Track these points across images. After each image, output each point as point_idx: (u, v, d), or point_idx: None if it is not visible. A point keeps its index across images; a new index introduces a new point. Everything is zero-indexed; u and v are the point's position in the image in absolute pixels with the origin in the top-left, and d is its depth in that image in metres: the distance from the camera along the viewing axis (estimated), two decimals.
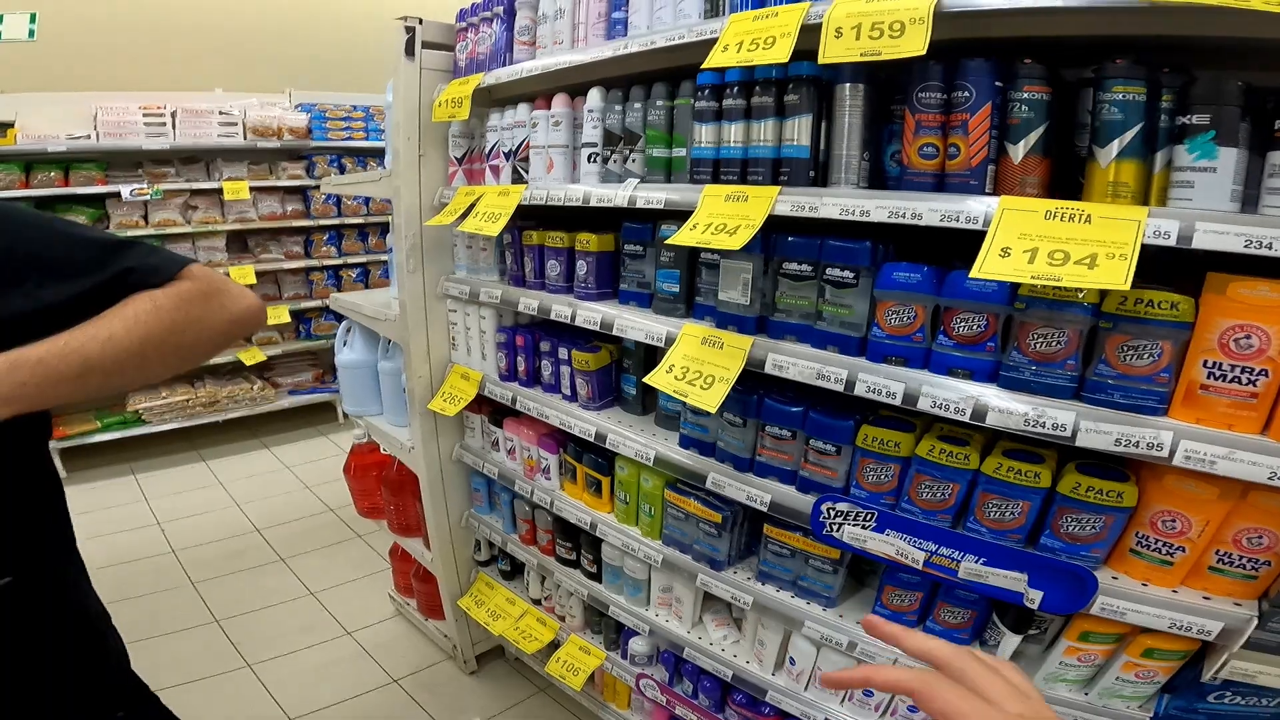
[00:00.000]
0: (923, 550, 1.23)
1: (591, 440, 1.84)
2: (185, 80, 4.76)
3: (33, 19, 4.30)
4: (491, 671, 2.83)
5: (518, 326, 2.11)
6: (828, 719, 1.62)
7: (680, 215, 1.45)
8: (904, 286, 1.18)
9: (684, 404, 1.60)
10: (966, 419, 1.11)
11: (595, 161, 1.73)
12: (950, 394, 1.13)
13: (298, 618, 3.14)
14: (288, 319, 5.01)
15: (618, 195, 1.62)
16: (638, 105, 1.60)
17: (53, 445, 4.33)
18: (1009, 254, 0.95)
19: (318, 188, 4.98)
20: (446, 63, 2.10)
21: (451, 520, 2.54)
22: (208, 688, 2.68)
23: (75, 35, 4.51)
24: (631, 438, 1.75)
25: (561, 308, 1.82)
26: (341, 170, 5.10)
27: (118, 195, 4.23)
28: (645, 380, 1.47)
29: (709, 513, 1.63)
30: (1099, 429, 1.00)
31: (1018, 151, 1.06)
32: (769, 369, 1.36)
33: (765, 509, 1.47)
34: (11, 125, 3.95)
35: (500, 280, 2.10)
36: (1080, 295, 1.01)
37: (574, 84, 1.79)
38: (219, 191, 4.59)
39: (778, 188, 1.30)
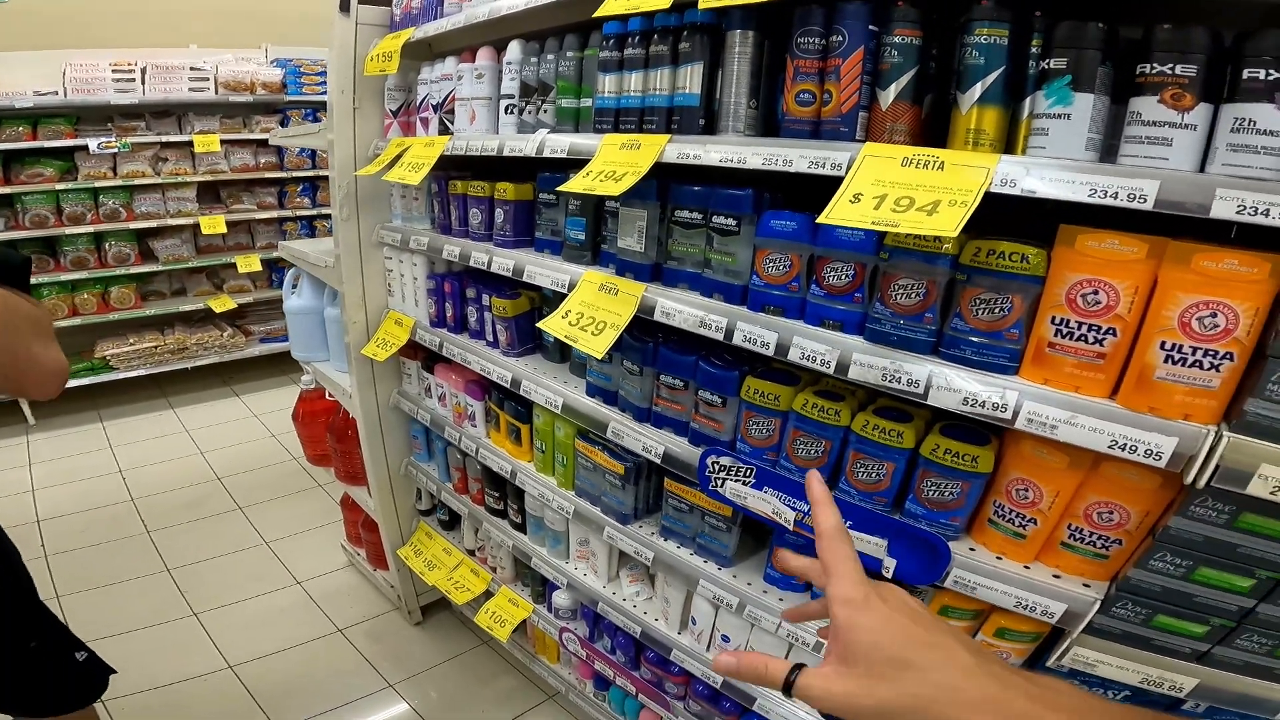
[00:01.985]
0: (794, 510, 1.22)
1: (508, 386, 1.85)
2: (160, 37, 4.73)
3: None
4: (437, 623, 2.85)
5: (449, 274, 2.10)
6: (727, 681, 1.64)
7: (585, 164, 1.42)
8: (780, 235, 1.15)
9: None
10: (831, 371, 1.09)
11: (512, 113, 1.71)
12: (818, 345, 1.10)
13: (249, 567, 3.17)
14: (259, 267, 5.01)
15: (528, 145, 1.60)
16: (550, 57, 1.58)
17: None
18: (859, 200, 0.92)
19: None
20: (384, 18, 2.08)
21: (392, 468, 2.55)
22: (150, 636, 2.71)
23: None
24: (544, 385, 1.75)
25: (480, 254, 1.80)
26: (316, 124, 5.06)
27: (85, 148, 4.26)
28: (539, 325, 1.46)
29: (613, 463, 1.62)
30: (949, 385, 0.97)
31: (887, 97, 1.02)
32: (658, 316, 1.34)
33: (659, 460, 1.47)
34: None
35: (430, 228, 2.09)
36: (943, 246, 0.98)
37: (499, 38, 1.77)
38: (190, 144, 4.60)
39: (668, 136, 1.28)
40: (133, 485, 3.79)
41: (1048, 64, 0.89)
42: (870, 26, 1.02)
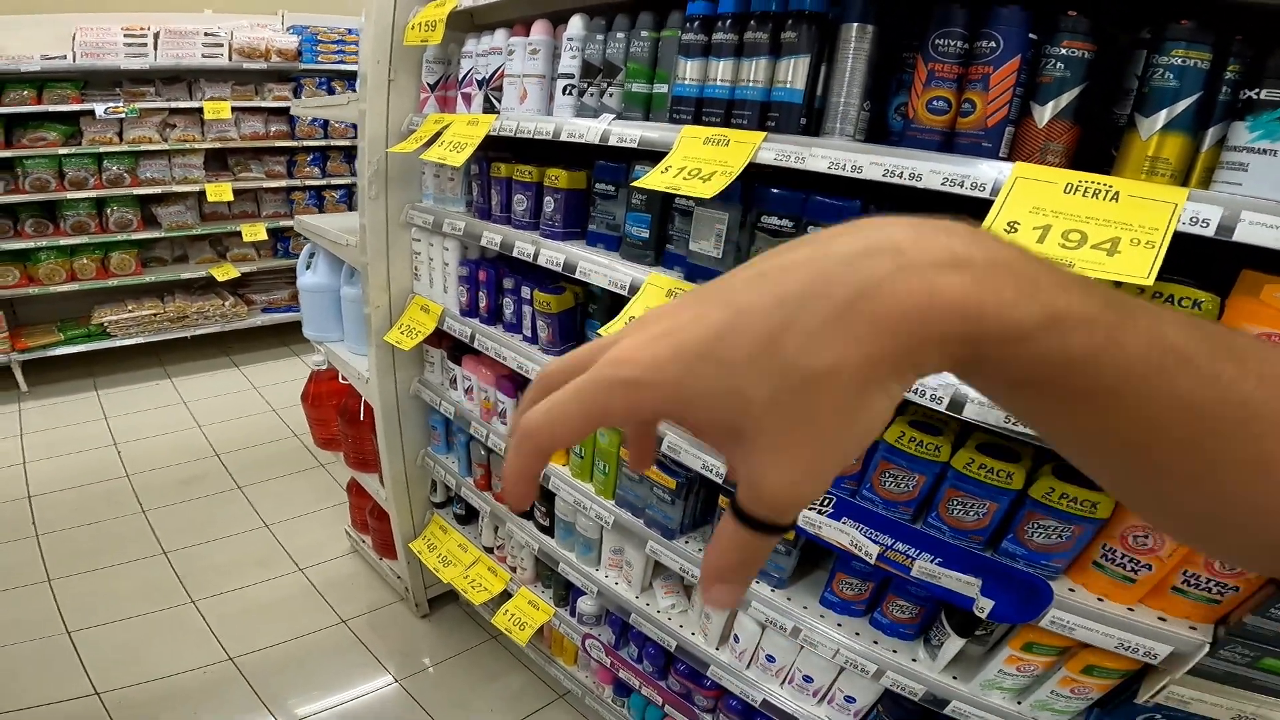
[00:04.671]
0: (877, 544, 1.13)
1: None
2: (174, 2, 4.58)
3: None
4: (444, 616, 2.77)
5: (482, 260, 1.98)
6: (766, 699, 1.58)
7: (656, 156, 1.32)
8: None
9: None
10: (943, 408, 1.00)
11: (571, 94, 1.59)
12: (934, 380, 1.01)
13: (249, 551, 3.06)
14: (265, 236, 4.89)
15: (590, 130, 1.48)
16: (620, 35, 1.45)
17: (13, 357, 4.22)
18: (1016, 229, 0.83)
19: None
20: None
21: (407, 458, 2.45)
22: (146, 624, 2.62)
23: None
24: None
25: (525, 245, 1.69)
26: (331, 93, 4.94)
27: (92, 113, 4.14)
28: (600, 332, 1.35)
29: (664, 478, 1.53)
30: None
31: (1044, 114, 0.92)
32: None
33: (720, 480, 1.38)
34: None
35: (466, 212, 1.96)
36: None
37: (556, 10, 1.64)
38: (199, 111, 4.48)
39: (763, 134, 1.17)
40: (128, 460, 3.66)
41: (1258, 94, 0.79)
42: (1030, 34, 0.92)
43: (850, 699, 1.46)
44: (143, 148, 4.32)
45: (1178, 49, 0.82)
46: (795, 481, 0.33)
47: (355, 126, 5.00)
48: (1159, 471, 0.34)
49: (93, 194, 4.23)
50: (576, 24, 1.55)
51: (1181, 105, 0.83)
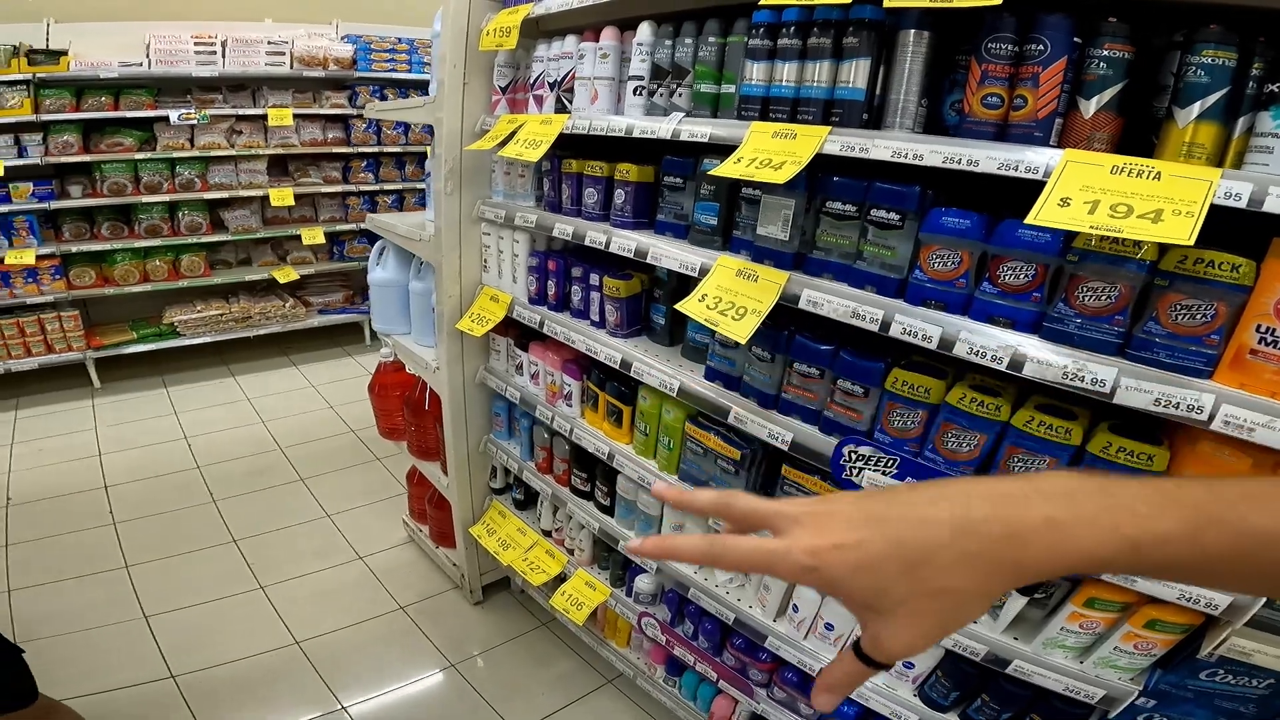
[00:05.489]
0: None
1: (616, 368, 1.85)
2: (237, 10, 4.81)
3: None
4: (496, 603, 2.87)
5: (550, 251, 2.12)
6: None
7: (723, 150, 1.43)
8: (952, 231, 1.15)
9: (712, 337, 1.60)
10: (1003, 368, 1.09)
11: (641, 94, 1.71)
12: (988, 341, 1.11)
13: (312, 540, 3.20)
14: (322, 240, 5.09)
15: (661, 128, 1.60)
16: (688, 41, 1.58)
17: (88, 355, 4.44)
18: (1068, 204, 0.93)
19: (359, 116, 5.05)
20: None
21: (470, 444, 2.58)
22: (218, 609, 2.75)
23: None
24: (657, 367, 1.75)
25: (597, 234, 1.81)
26: (384, 100, 5.10)
27: (166, 119, 4.35)
28: (677, 307, 1.46)
29: (728, 449, 1.63)
30: (1140, 387, 0.98)
31: (1089, 107, 1.03)
32: (803, 304, 1.34)
33: (786, 448, 1.47)
34: (65, 53, 4.04)
35: (536, 206, 2.10)
36: (1138, 252, 0.98)
37: (622, 17, 1.77)
38: (263, 117, 4.68)
39: (828, 128, 1.28)
40: (198, 452, 3.86)
41: (1278, 87, 0.90)
42: (1074, 38, 1.03)
43: (909, 664, 1.53)
44: (212, 153, 4.53)
45: (1207, 49, 0.94)
46: (908, 644, 0.49)
47: (406, 130, 5.21)
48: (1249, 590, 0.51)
49: (166, 198, 4.45)
50: (645, 30, 1.68)
51: (1212, 98, 0.95)
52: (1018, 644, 1.32)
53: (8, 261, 4.07)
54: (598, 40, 1.78)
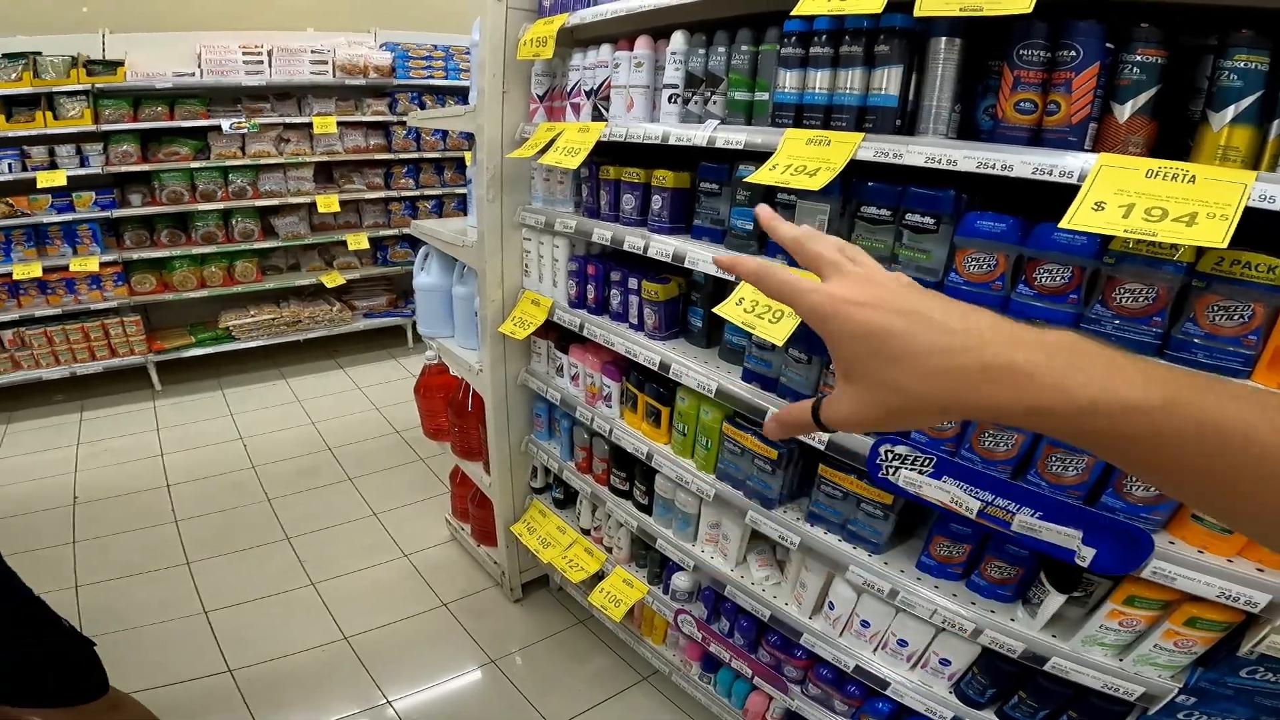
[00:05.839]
0: (978, 500, 1.23)
1: (655, 369, 1.89)
2: (279, 20, 4.93)
3: None
4: (535, 600, 2.93)
5: (589, 256, 2.17)
6: (859, 665, 1.66)
7: (758, 157, 1.46)
8: (987, 235, 1.16)
9: (749, 339, 1.62)
10: None
11: (676, 102, 1.74)
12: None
13: (360, 538, 3.30)
14: (366, 245, 5.23)
15: (697, 135, 1.63)
16: (721, 49, 1.61)
17: (150, 359, 4.63)
18: (1103, 208, 0.94)
19: (400, 123, 5.15)
20: (532, 3, 2.13)
21: (512, 444, 2.64)
22: (274, 605, 2.86)
23: None
24: (695, 369, 1.79)
25: (635, 239, 1.86)
26: (422, 107, 5.23)
27: (218, 128, 4.50)
28: (715, 310, 1.50)
29: (765, 448, 1.66)
30: None
31: (1124, 111, 1.04)
32: None
33: (823, 447, 1.50)
34: (121, 64, 4.19)
35: (575, 212, 2.15)
36: (1176, 254, 0.99)
37: (656, 26, 1.80)
38: (309, 126, 4.82)
39: (861, 134, 1.30)
40: (253, 452, 4.00)
41: None
42: (1106, 44, 1.04)
43: (945, 661, 1.54)
44: (262, 161, 4.69)
45: (1240, 54, 0.94)
46: (847, 416, 0.55)
47: (444, 137, 5.28)
48: (1202, 504, 0.45)
49: (220, 205, 4.62)
50: (679, 40, 1.71)
51: (1246, 101, 0.95)
52: (1056, 641, 1.33)
53: (73, 268, 4.26)
54: (632, 49, 1.82)
